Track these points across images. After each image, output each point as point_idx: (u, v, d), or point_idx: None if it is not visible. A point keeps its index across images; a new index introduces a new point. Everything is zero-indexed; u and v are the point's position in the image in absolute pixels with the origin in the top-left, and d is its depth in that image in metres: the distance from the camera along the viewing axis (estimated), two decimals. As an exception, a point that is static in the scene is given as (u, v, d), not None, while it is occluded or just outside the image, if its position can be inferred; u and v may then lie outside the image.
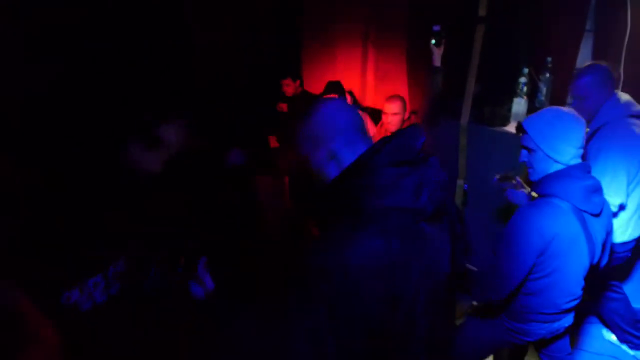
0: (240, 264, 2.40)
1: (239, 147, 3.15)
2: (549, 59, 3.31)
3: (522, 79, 3.33)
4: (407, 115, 3.85)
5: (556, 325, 2.25)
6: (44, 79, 3.14)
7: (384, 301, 1.33)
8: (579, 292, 2.18)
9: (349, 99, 4.37)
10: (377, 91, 4.66)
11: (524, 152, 2.16)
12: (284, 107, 4.63)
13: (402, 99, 3.90)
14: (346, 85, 4.60)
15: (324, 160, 1.49)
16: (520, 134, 2.18)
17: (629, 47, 3.08)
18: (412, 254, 1.36)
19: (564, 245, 2.03)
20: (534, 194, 2.23)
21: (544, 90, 3.38)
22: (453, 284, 1.55)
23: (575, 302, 2.21)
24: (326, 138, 1.49)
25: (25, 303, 1.63)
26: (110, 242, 2.11)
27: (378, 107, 4.17)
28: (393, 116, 3.75)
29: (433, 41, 3.16)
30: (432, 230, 1.42)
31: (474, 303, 2.86)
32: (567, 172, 2.06)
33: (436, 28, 3.19)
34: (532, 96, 3.40)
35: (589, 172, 2.11)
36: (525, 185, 2.53)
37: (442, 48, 3.17)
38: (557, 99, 3.31)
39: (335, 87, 4.33)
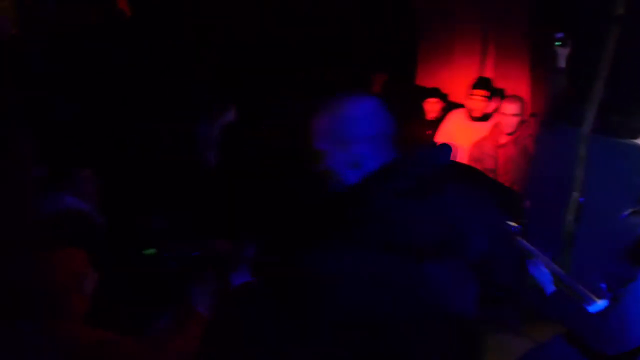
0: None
1: None
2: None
3: (660, 87, 2.99)
4: (526, 117, 3.64)
5: None
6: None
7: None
8: None
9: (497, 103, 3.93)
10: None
11: None
12: None
13: (521, 99, 3.68)
14: (461, 83, 4.43)
15: (342, 164, 1.34)
16: None
17: None
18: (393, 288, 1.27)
19: None
20: None
21: (684, 100, 3.02)
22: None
23: None
24: (352, 141, 1.33)
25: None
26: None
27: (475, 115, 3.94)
28: (511, 117, 3.55)
29: (557, 42, 2.95)
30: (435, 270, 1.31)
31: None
32: None
33: (560, 35, 2.98)
34: (670, 107, 3.04)
35: None
36: None
37: (567, 49, 2.93)
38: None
39: (484, 84, 3.92)
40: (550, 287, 2.14)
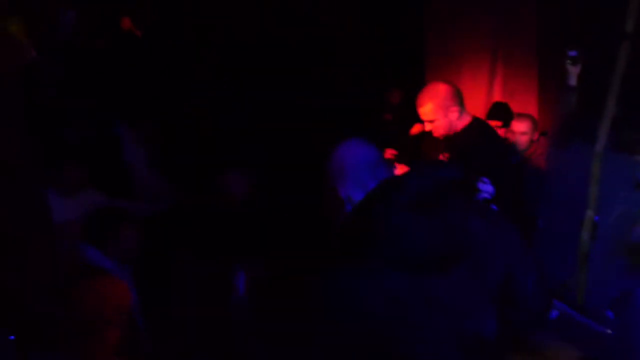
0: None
1: None
2: None
3: (674, 103, 2.96)
4: (536, 136, 3.60)
5: None
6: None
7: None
8: None
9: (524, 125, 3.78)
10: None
11: None
12: (389, 117, 4.55)
13: (532, 118, 3.65)
14: (471, 101, 4.40)
15: (344, 200, 1.52)
16: None
17: None
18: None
19: None
20: None
21: (699, 116, 2.98)
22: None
23: None
24: (341, 182, 1.53)
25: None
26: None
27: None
28: (521, 136, 3.52)
29: (569, 60, 2.92)
30: (439, 283, 1.33)
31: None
32: None
33: (573, 53, 2.96)
34: (684, 123, 3.01)
35: None
36: None
37: (579, 66, 2.91)
38: None
39: (498, 113, 3.86)
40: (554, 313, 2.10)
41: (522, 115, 3.60)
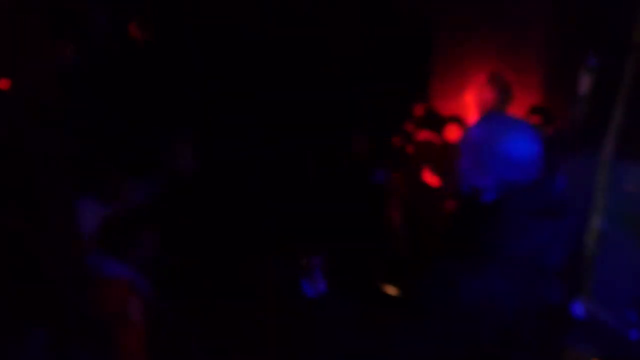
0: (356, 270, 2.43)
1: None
2: None
3: (680, 113, 3.01)
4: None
5: None
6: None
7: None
8: None
9: None
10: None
11: None
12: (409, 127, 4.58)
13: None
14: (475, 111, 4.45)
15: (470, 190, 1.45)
16: None
17: None
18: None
19: None
20: None
21: (703, 126, 3.04)
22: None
23: None
24: (483, 167, 1.42)
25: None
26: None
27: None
28: None
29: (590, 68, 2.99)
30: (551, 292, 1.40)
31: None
32: None
33: (592, 62, 3.02)
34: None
35: None
36: None
37: (592, 76, 2.98)
38: None
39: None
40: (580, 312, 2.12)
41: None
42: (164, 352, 1.95)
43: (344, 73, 4.60)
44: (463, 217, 1.48)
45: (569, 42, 3.47)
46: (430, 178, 3.57)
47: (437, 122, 4.14)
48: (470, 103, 2.88)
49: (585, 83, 2.99)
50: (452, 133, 4.21)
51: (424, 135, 3.96)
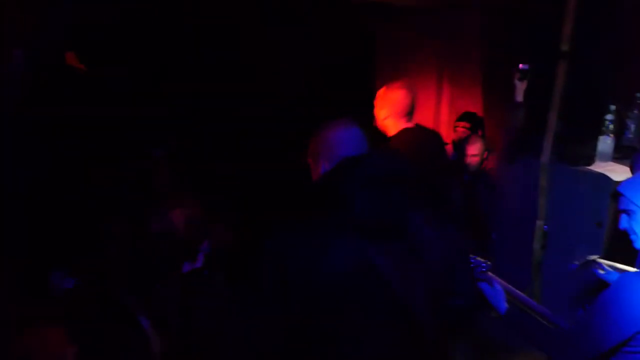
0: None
1: None
2: (639, 94, 3.12)
3: (609, 116, 3.15)
4: (485, 155, 3.75)
5: None
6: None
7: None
8: None
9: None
10: (452, 127, 4.56)
11: (624, 216, 1.98)
12: None
13: (482, 140, 3.80)
14: (418, 119, 4.53)
15: (318, 176, 1.68)
16: (618, 199, 2.00)
17: None
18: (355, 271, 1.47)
19: None
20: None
21: (632, 127, 3.19)
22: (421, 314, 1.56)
23: None
24: (322, 159, 1.67)
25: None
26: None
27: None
28: (472, 157, 3.70)
29: (518, 74, 3.10)
30: (381, 252, 1.51)
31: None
32: None
33: (524, 67, 3.13)
34: (619, 134, 3.20)
35: None
36: (616, 266, 2.32)
37: (525, 83, 3.08)
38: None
39: (468, 116, 4.08)
40: (504, 305, 2.15)
41: (473, 137, 3.77)
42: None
43: (285, 93, 4.61)
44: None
45: (504, 53, 3.58)
46: None
47: None
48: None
49: (519, 89, 3.09)
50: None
51: None
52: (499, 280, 2.22)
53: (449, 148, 4.04)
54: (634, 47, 3.18)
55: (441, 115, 4.64)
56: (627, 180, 2.00)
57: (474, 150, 3.67)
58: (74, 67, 3.89)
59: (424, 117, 4.66)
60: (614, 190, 2.00)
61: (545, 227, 3.32)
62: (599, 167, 3.13)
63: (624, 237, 2.01)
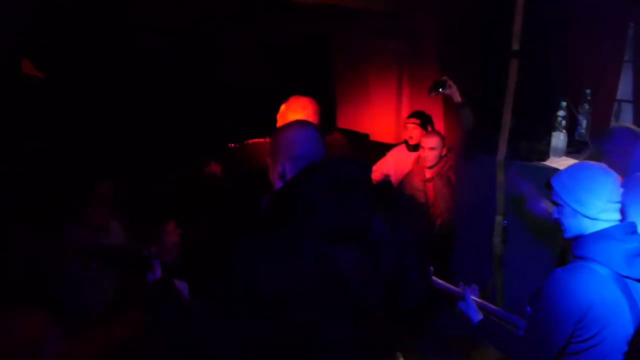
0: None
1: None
2: (588, 90, 3.22)
3: (561, 112, 3.24)
4: (444, 152, 3.81)
5: None
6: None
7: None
8: None
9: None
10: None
11: (555, 209, 2.06)
12: None
13: (440, 134, 3.86)
14: (380, 121, 4.60)
15: (277, 175, 1.70)
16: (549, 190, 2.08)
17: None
18: (315, 276, 1.50)
19: (602, 314, 1.86)
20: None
21: (584, 123, 3.29)
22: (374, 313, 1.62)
23: None
24: (281, 158, 1.69)
25: None
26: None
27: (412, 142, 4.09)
28: (430, 151, 3.74)
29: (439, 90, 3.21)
30: (343, 255, 1.54)
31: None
32: (607, 234, 1.90)
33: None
34: (571, 130, 3.30)
35: (634, 232, 1.94)
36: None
37: (453, 86, 3.20)
38: (597, 131, 3.20)
39: (417, 114, 4.10)
40: (477, 317, 2.24)
41: (431, 132, 3.83)
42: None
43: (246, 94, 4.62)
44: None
45: (459, 54, 3.65)
46: None
47: None
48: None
49: (454, 92, 3.19)
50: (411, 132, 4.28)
51: None
52: (470, 292, 2.31)
53: (403, 146, 4.13)
54: (582, 44, 3.28)
55: (402, 115, 4.69)
56: (559, 173, 2.05)
57: (432, 143, 3.72)
58: (31, 75, 3.84)
59: (385, 118, 4.73)
60: (547, 181, 2.06)
61: (505, 222, 3.39)
62: (553, 162, 3.21)
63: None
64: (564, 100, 3.23)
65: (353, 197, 1.59)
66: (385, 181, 4.18)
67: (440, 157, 3.78)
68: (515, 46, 3.09)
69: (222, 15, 4.44)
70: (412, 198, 3.85)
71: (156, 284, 1.91)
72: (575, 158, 3.16)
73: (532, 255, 3.25)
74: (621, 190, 1.96)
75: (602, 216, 1.94)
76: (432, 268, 2.32)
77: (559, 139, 3.27)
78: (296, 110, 2.84)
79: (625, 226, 1.94)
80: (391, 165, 4.15)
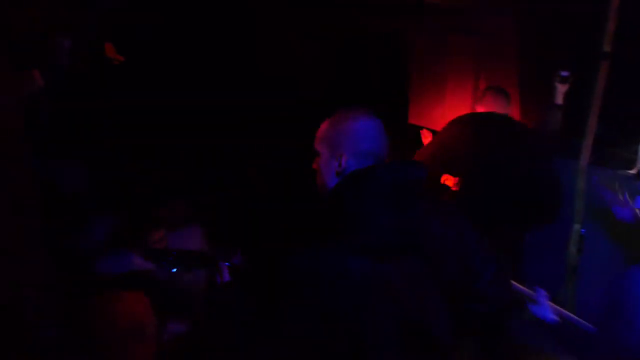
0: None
1: None
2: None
3: (651, 119, 3.08)
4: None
5: None
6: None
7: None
8: None
9: None
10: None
11: None
12: None
13: None
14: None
15: (332, 170, 1.49)
16: None
17: None
18: (372, 292, 1.34)
19: None
20: None
21: (675, 131, 3.11)
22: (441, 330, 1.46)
23: None
24: (344, 151, 1.48)
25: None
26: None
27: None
28: None
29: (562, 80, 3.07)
30: (397, 270, 1.39)
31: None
32: None
33: (564, 74, 3.09)
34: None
35: None
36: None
37: (567, 85, 3.05)
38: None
39: None
40: (553, 318, 2.15)
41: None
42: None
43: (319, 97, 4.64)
44: None
45: (542, 52, 3.53)
46: None
47: None
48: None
49: (559, 92, 3.06)
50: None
51: None
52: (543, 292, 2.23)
53: None
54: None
55: (476, 114, 4.60)
56: None
57: None
58: (112, 58, 3.98)
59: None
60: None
61: (583, 230, 3.27)
62: (639, 170, 3.06)
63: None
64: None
65: (411, 205, 1.45)
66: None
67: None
68: (607, 48, 2.95)
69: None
70: None
71: (223, 288, 1.82)
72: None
73: (609, 266, 3.13)
74: None
75: None
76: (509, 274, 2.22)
77: (647, 147, 3.11)
78: None
79: None
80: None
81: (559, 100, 3.07)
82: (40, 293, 1.75)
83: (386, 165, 1.47)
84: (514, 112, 4.10)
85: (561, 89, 3.06)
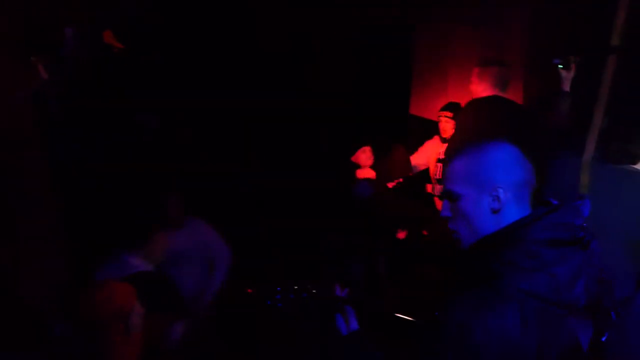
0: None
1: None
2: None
3: (658, 114, 3.04)
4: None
5: None
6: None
7: None
8: None
9: None
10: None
11: None
12: None
13: None
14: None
15: (485, 209, 1.33)
16: None
17: None
18: (547, 350, 1.20)
19: None
20: None
21: (681, 126, 3.08)
22: None
23: None
24: (498, 185, 1.32)
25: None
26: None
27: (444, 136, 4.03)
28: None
29: (560, 65, 3.02)
30: (578, 329, 1.27)
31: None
32: None
33: (556, 61, 3.06)
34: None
35: None
36: None
37: (572, 72, 3.02)
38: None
39: (450, 106, 4.09)
40: None
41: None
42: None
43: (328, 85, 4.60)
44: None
45: (549, 44, 3.48)
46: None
47: None
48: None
49: (566, 79, 3.03)
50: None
51: None
52: None
53: (436, 138, 4.05)
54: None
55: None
56: None
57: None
58: (113, 45, 3.93)
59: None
60: None
61: (584, 225, 3.23)
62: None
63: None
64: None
65: (592, 252, 1.34)
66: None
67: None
68: (615, 41, 2.90)
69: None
70: None
71: (352, 338, 1.56)
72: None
73: (612, 262, 3.10)
74: None
75: None
76: None
77: (653, 142, 3.07)
78: None
79: None
80: (423, 157, 4.11)
81: (567, 87, 3.05)
82: (59, 293, 1.77)
83: (548, 215, 1.32)
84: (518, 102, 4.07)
85: (567, 75, 3.04)
